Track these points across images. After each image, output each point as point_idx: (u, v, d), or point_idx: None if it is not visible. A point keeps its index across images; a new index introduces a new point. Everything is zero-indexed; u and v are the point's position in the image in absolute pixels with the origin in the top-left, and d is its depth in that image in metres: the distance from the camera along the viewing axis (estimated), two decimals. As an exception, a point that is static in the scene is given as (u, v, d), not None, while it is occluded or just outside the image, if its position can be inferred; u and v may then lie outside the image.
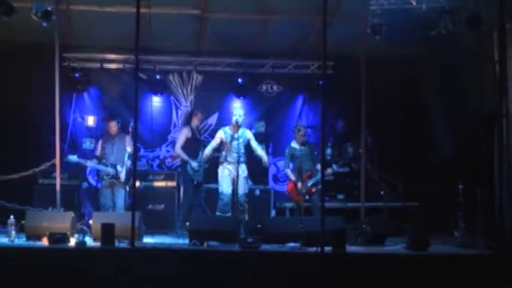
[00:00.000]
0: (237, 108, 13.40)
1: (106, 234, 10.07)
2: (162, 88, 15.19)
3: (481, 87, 12.37)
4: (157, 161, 15.23)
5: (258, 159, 12.61)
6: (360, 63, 12.27)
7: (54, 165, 12.61)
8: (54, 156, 12.52)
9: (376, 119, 13.21)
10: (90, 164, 12.77)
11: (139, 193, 12.11)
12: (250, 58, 15.10)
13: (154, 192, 13.85)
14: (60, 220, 11.24)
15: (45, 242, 10.52)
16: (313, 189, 12.55)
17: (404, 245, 10.72)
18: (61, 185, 12.51)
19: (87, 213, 13.32)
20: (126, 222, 10.11)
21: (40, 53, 13.38)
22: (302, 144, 12.77)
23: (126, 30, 11.99)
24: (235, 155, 12.19)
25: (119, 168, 12.57)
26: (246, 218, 12.26)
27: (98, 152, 12.87)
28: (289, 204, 13.47)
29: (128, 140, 12.63)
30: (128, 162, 12.38)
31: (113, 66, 14.98)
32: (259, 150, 12.57)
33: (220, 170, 12.40)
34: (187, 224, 11.42)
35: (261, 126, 15.03)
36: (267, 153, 14.57)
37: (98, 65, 14.88)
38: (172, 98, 15.39)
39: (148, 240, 11.53)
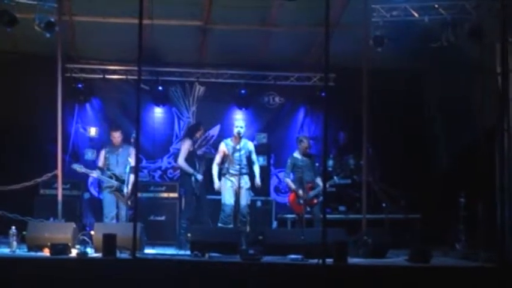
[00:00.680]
0: (238, 119, 13.40)
1: (107, 245, 10.07)
2: (164, 99, 15.22)
3: (482, 100, 12.36)
4: (159, 172, 15.25)
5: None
6: (362, 75, 12.27)
7: (56, 175, 12.58)
8: (56, 167, 12.50)
9: (378, 131, 13.20)
10: (95, 174, 12.68)
11: (140, 204, 12.10)
12: (252, 70, 15.12)
13: (155, 203, 13.82)
14: (62, 231, 11.24)
15: (46, 252, 10.51)
16: (315, 201, 12.55)
17: (405, 257, 10.71)
18: (63, 196, 12.47)
19: (88, 223, 13.31)
20: (128, 233, 10.11)
21: (43, 64, 13.40)
22: (305, 155, 12.78)
23: (129, 41, 12.02)
24: (237, 166, 12.19)
25: (122, 180, 12.46)
26: (248, 229, 12.25)
27: (101, 163, 12.80)
28: (290, 216, 13.47)
29: (132, 151, 12.46)
30: (131, 176, 12.25)
31: (115, 77, 15.01)
32: (256, 166, 12.56)
33: (222, 181, 12.39)
34: (189, 235, 11.41)
35: (263, 138, 15.06)
36: (269, 164, 14.62)
37: (100, 76, 14.91)
38: (174, 109, 15.42)
39: (149, 251, 11.53)
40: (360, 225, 12.33)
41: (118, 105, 15.12)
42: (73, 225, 11.49)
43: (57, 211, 12.32)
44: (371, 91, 12.29)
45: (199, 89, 15.39)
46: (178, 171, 13.69)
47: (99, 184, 13.37)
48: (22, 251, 10.95)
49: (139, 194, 11.97)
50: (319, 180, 12.52)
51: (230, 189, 12.28)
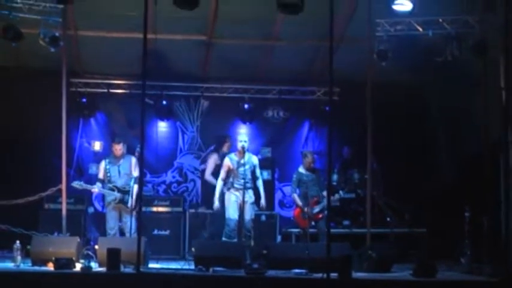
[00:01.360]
0: (242, 134, 13.42)
1: (112, 259, 10.04)
2: (168, 113, 15.24)
3: (486, 113, 12.37)
4: (163, 186, 15.25)
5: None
6: (366, 89, 12.28)
7: (60, 190, 12.59)
8: (60, 181, 12.51)
9: (382, 145, 13.21)
10: (97, 188, 12.52)
11: (145, 218, 12.09)
12: (256, 84, 15.15)
13: (160, 218, 13.81)
14: (66, 245, 11.22)
15: (50, 267, 10.48)
16: (320, 215, 12.55)
17: (410, 271, 10.67)
18: (67, 210, 12.48)
19: (92, 238, 13.28)
20: (132, 247, 10.07)
21: (47, 78, 13.43)
22: (309, 170, 12.78)
23: (133, 55, 12.08)
24: (241, 181, 12.18)
25: (126, 191, 12.36)
26: (252, 243, 12.23)
27: (101, 175, 12.62)
28: (295, 230, 13.44)
29: (134, 162, 12.45)
30: (135, 187, 12.25)
31: (120, 91, 15.04)
32: (260, 182, 12.55)
33: (226, 195, 12.38)
34: (193, 249, 11.40)
35: (267, 152, 15.04)
36: (273, 178, 14.61)
37: (104, 90, 14.94)
38: (178, 123, 15.44)
39: (153, 265, 11.51)
40: (364, 239, 12.32)
41: (122, 120, 15.15)
42: (77, 239, 11.49)
43: (61, 225, 12.33)
44: (375, 105, 12.30)
45: (204, 103, 15.41)
46: (183, 185, 13.70)
47: (103, 198, 13.34)
48: (26, 266, 10.92)
49: (143, 208, 11.95)
50: (325, 195, 12.52)
51: (234, 203, 12.26)
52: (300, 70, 15.00)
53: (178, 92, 15.19)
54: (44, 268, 10.69)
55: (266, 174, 14.14)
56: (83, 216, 13.70)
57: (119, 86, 15.00)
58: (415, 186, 14.20)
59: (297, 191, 12.81)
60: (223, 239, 12.24)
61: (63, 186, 12.47)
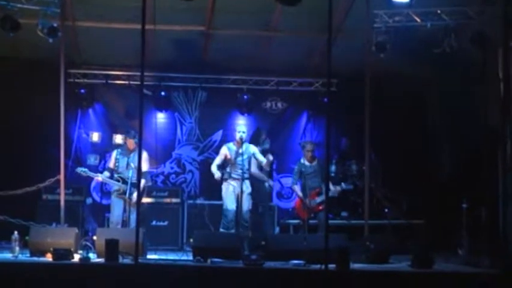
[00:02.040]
0: (240, 124, 13.45)
1: (110, 250, 10.05)
2: (166, 104, 15.23)
3: (485, 105, 12.37)
4: (161, 177, 15.25)
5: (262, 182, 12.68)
6: (364, 80, 12.28)
7: (58, 181, 12.59)
8: (58, 172, 12.51)
9: (380, 137, 13.21)
10: (100, 177, 12.52)
11: (143, 209, 12.08)
12: (254, 75, 15.14)
13: (158, 209, 13.82)
14: (64, 236, 11.23)
15: (49, 258, 10.50)
16: (321, 207, 12.56)
17: (408, 262, 10.69)
18: (65, 201, 12.49)
19: (91, 229, 13.32)
20: (130, 238, 10.09)
21: (45, 69, 13.43)
22: (310, 160, 12.78)
23: (131, 46, 12.06)
24: (239, 171, 12.21)
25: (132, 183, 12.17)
26: (250, 234, 12.25)
27: (111, 164, 12.59)
28: (293, 221, 13.46)
29: (145, 157, 12.26)
30: (142, 181, 12.02)
31: (118, 82, 15.02)
32: (265, 162, 12.54)
33: (224, 186, 12.40)
34: (191, 240, 11.41)
35: (266, 143, 15.04)
36: (271, 169, 14.61)
37: (103, 81, 14.94)
38: (176, 114, 15.44)
39: (152, 256, 11.52)
40: (362, 230, 12.34)
41: (121, 111, 15.17)
42: (75, 230, 11.50)
43: (59, 216, 12.34)
44: (373, 96, 12.30)
45: (202, 94, 15.40)
46: (182, 175, 13.70)
47: (101, 189, 13.34)
48: (24, 256, 10.93)
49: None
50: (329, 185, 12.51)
51: (232, 194, 12.28)
52: (298, 61, 14.98)
53: (176, 83, 15.19)
54: (42, 259, 10.68)
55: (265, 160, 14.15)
56: (81, 207, 13.74)
57: (117, 77, 14.99)
58: (413, 178, 14.22)
59: (298, 182, 12.82)
60: (221, 229, 12.26)
61: (62, 177, 12.48)
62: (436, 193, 13.84)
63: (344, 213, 14.23)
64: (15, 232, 10.93)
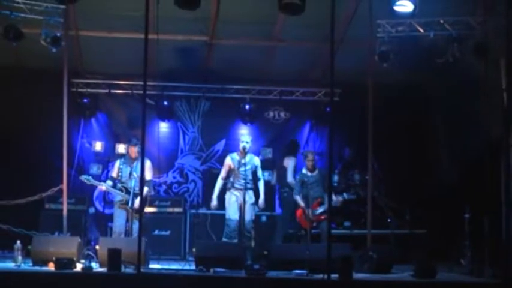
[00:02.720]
0: (244, 134, 13.41)
1: (112, 259, 10.04)
2: (169, 114, 15.24)
3: (487, 115, 12.36)
4: (164, 187, 15.25)
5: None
6: (367, 90, 12.27)
7: (61, 190, 12.60)
8: (61, 182, 12.52)
9: (383, 146, 13.21)
10: (104, 186, 12.43)
11: (145, 219, 12.08)
12: (257, 85, 15.15)
13: (160, 218, 13.82)
14: (67, 245, 11.22)
15: (51, 267, 10.48)
16: (322, 217, 12.53)
17: (411, 272, 10.67)
18: (68, 210, 12.48)
19: (93, 238, 13.30)
20: (133, 247, 10.08)
21: (48, 79, 13.45)
22: (312, 170, 12.77)
23: (134, 56, 12.07)
24: (242, 181, 12.20)
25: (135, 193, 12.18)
26: (253, 244, 12.23)
27: (114, 173, 12.56)
28: (296, 231, 13.44)
29: (149, 165, 12.35)
30: (145, 189, 11.99)
31: (121, 91, 15.05)
32: (261, 183, 12.61)
33: (227, 196, 12.40)
34: (194, 249, 11.40)
35: (269, 153, 15.07)
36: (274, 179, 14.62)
37: (105, 90, 14.97)
38: (179, 124, 15.45)
39: (154, 266, 11.51)
40: (365, 240, 12.31)
41: (123, 120, 15.19)
42: (78, 239, 11.48)
43: (62, 225, 12.34)
44: (376, 106, 12.29)
45: (205, 104, 15.42)
46: (184, 185, 13.70)
47: (104, 199, 13.33)
48: (27, 266, 10.93)
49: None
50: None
51: (235, 204, 12.27)
52: (301, 71, 15.01)
53: (179, 92, 15.20)
54: (44, 268, 10.68)
55: (267, 175, 14.18)
56: (84, 217, 13.74)
57: (120, 86, 15.01)
58: (416, 187, 14.21)
59: (301, 192, 12.80)
60: (224, 239, 12.25)
61: (64, 186, 12.48)
62: (439, 203, 13.81)
63: (347, 223, 14.21)
64: (18, 241, 10.94)
